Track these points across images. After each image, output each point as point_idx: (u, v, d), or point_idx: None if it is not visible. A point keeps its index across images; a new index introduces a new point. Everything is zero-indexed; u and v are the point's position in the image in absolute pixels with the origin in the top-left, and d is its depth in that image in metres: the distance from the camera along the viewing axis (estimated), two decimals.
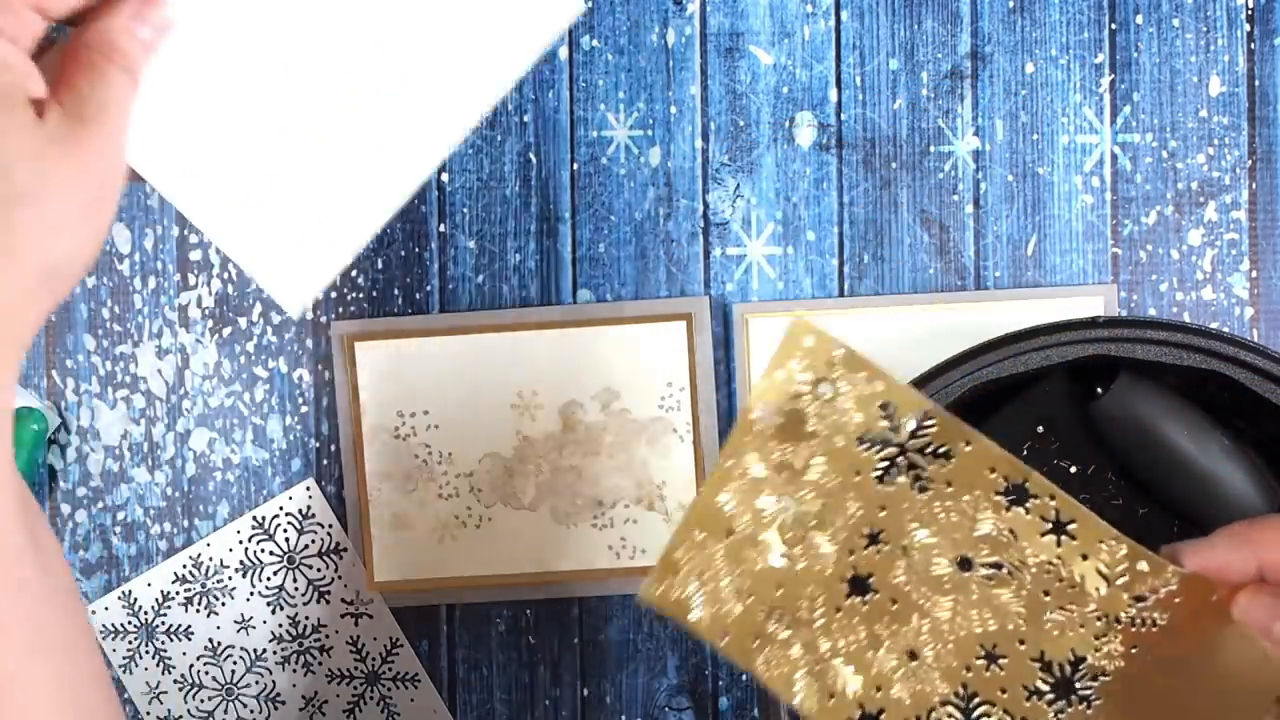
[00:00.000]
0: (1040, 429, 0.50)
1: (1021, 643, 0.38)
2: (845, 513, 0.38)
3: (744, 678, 0.60)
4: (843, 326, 0.59)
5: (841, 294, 0.60)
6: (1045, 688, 0.38)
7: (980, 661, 0.38)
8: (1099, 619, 0.37)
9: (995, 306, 0.59)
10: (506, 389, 0.60)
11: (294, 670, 0.62)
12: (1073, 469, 0.50)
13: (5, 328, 0.36)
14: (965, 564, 0.38)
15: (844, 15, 0.60)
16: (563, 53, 0.60)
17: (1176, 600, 0.37)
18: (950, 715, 0.38)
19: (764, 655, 0.39)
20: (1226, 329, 0.59)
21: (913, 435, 0.37)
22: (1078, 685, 0.38)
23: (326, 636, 0.61)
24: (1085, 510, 0.37)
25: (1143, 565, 0.36)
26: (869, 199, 0.60)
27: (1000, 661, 0.38)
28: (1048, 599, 0.37)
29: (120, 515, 0.62)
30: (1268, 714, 0.37)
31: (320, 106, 0.42)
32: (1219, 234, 0.59)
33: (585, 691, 0.61)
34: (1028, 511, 0.37)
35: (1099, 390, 0.50)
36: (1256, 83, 0.59)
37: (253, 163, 0.43)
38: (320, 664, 0.62)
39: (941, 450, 0.37)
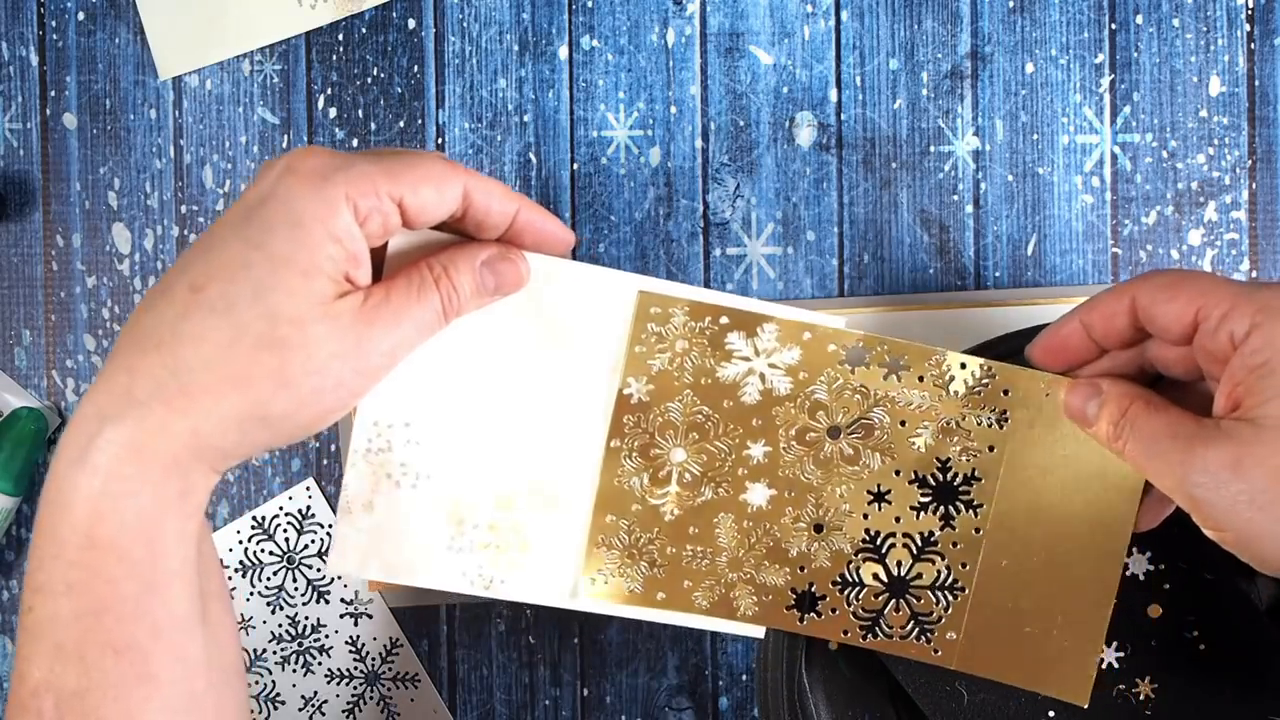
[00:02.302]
0: None
1: (898, 472, 0.44)
2: (729, 438, 0.44)
3: (744, 677, 0.61)
4: (842, 326, 0.59)
5: (841, 294, 0.60)
6: (927, 500, 0.44)
7: (872, 505, 0.44)
8: (949, 424, 0.43)
9: (995, 306, 0.59)
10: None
11: (294, 670, 0.62)
12: None
13: (217, 443, 0.36)
14: (834, 431, 0.44)
15: (844, 15, 0.60)
16: (563, 53, 0.60)
17: (1006, 395, 0.43)
18: (866, 558, 0.44)
19: (698, 594, 0.44)
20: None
21: (763, 351, 0.44)
22: (959, 490, 0.44)
23: (326, 636, 0.61)
24: (910, 343, 0.43)
25: (962, 367, 0.43)
26: (869, 199, 0.60)
27: (887, 496, 0.44)
28: (903, 427, 0.43)
29: None
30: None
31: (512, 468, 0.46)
32: (1219, 234, 0.59)
33: (585, 691, 0.61)
34: (868, 366, 0.43)
35: None
36: (1256, 83, 0.59)
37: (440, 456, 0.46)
38: (320, 664, 0.62)
39: (789, 349, 0.43)
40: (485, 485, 0.44)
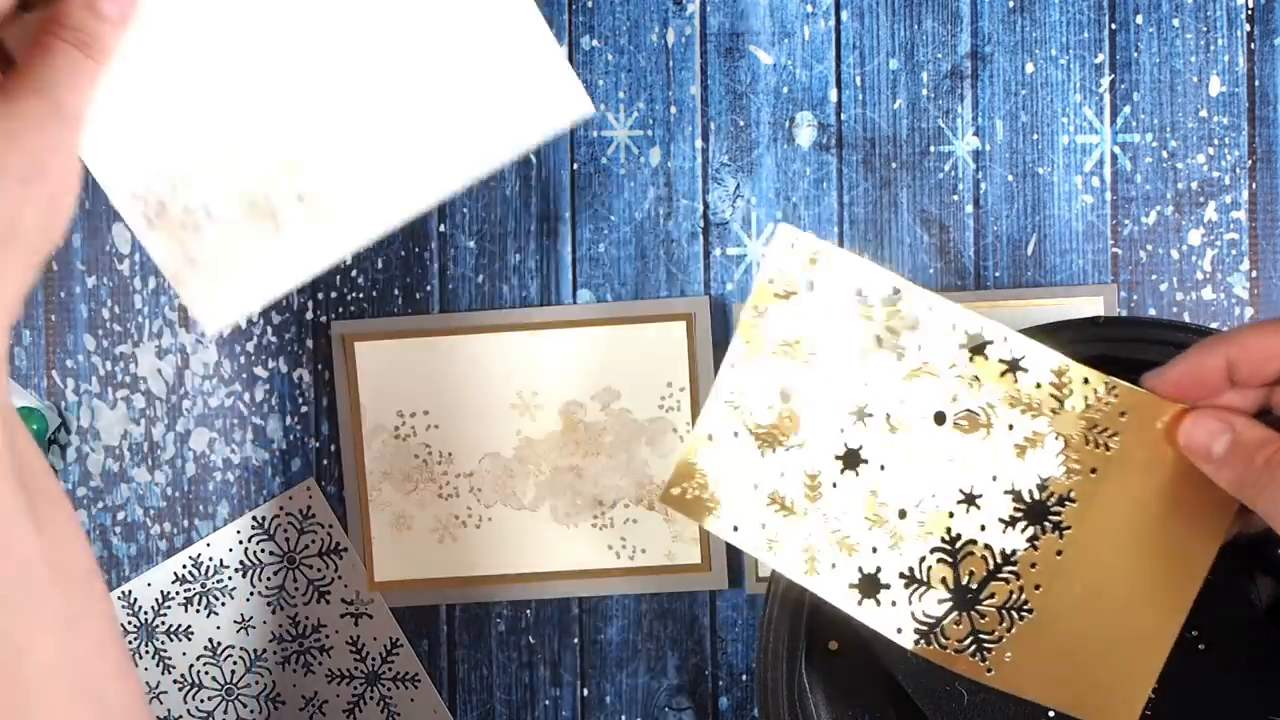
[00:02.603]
0: None
1: (995, 478, 0.42)
2: (836, 394, 0.42)
3: (743, 677, 0.60)
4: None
5: None
6: (1019, 515, 0.41)
7: (961, 505, 0.42)
8: (1057, 439, 0.41)
9: (995, 306, 0.59)
10: (506, 389, 0.60)
11: (294, 670, 0.62)
12: None
13: None
14: (940, 418, 0.42)
15: (844, 15, 0.60)
16: (563, 53, 0.60)
17: (1122, 417, 0.41)
18: (940, 559, 0.42)
19: (773, 542, 0.43)
20: (1226, 329, 0.59)
21: (888, 317, 0.41)
22: (1050, 510, 0.41)
23: (326, 636, 0.61)
24: (1035, 342, 0.41)
25: (1085, 381, 0.41)
26: (869, 199, 0.60)
27: (978, 501, 0.42)
28: (1013, 430, 0.41)
29: (120, 515, 0.62)
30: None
31: (283, 133, 0.42)
32: (1219, 234, 0.59)
33: (585, 691, 0.61)
34: (987, 358, 0.41)
35: None
36: (1256, 83, 0.59)
37: (201, 171, 0.43)
38: (320, 664, 0.62)
39: (910, 321, 0.41)
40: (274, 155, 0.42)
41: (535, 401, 0.60)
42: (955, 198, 0.60)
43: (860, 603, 0.43)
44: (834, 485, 0.42)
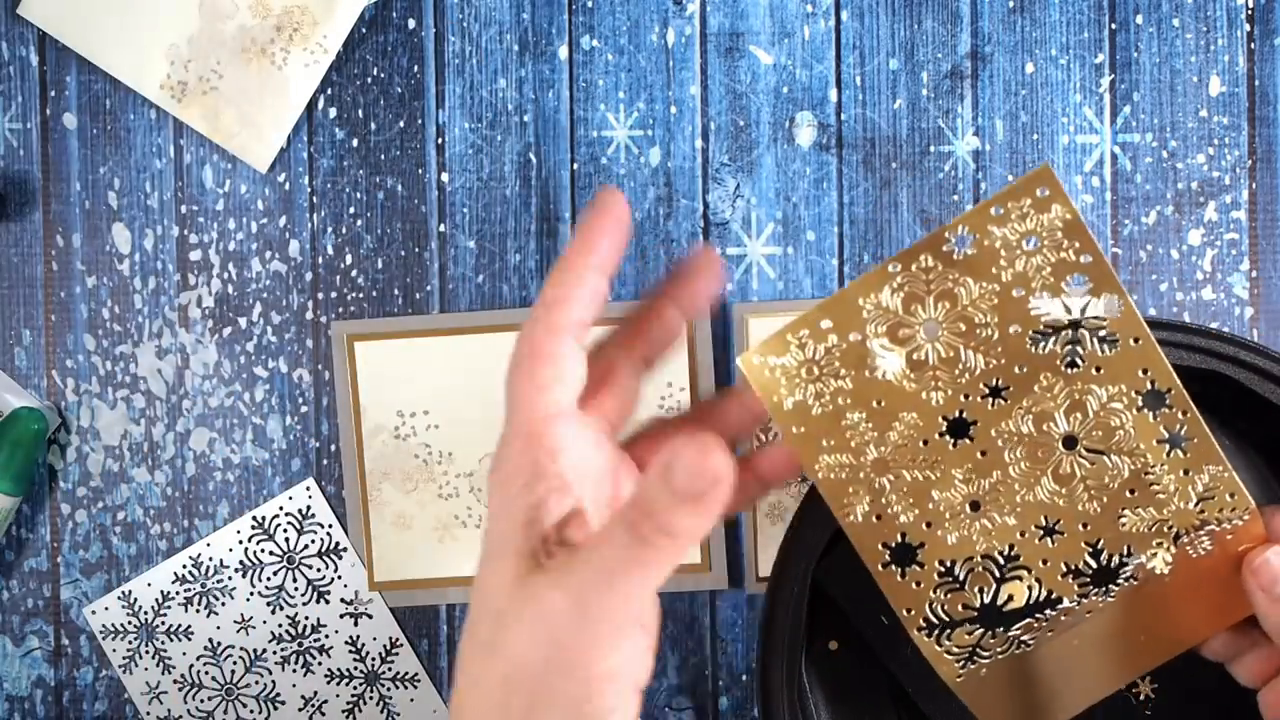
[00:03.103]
0: None
1: (1085, 525, 0.39)
2: (982, 358, 0.38)
3: (744, 677, 0.60)
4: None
5: None
6: (1087, 571, 0.39)
7: (1037, 530, 0.39)
8: (1166, 528, 0.39)
9: None
10: None
11: (294, 670, 0.62)
12: None
13: None
14: (1070, 442, 0.38)
15: (844, 15, 0.60)
16: (563, 53, 0.60)
17: (1229, 537, 0.39)
18: (984, 569, 0.39)
19: (831, 459, 0.39)
20: (1226, 329, 0.59)
21: (1089, 315, 0.37)
22: (1116, 580, 0.39)
23: (326, 636, 0.61)
24: (1207, 432, 0.38)
25: (1230, 496, 0.38)
26: (869, 199, 0.60)
27: (1056, 536, 0.39)
28: (1131, 496, 0.38)
29: (120, 515, 0.62)
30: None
31: None
32: (1219, 234, 0.59)
33: None
34: (1155, 417, 0.38)
35: None
36: (1256, 83, 0.59)
37: (197, 42, 0.56)
38: (320, 664, 0.62)
39: (1108, 337, 0.37)
40: None
41: None
42: (955, 198, 0.60)
43: (884, 565, 0.40)
44: (924, 442, 0.39)
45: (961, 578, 0.40)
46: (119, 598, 0.62)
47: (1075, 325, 0.37)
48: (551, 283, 0.37)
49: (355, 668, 0.61)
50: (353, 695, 0.62)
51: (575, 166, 0.60)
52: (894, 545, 0.39)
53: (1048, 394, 0.38)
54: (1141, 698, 0.47)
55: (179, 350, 0.62)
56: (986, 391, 0.38)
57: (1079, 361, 0.37)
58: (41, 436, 0.60)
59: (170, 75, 0.60)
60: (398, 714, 0.61)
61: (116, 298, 0.62)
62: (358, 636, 0.61)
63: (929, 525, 0.39)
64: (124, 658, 0.62)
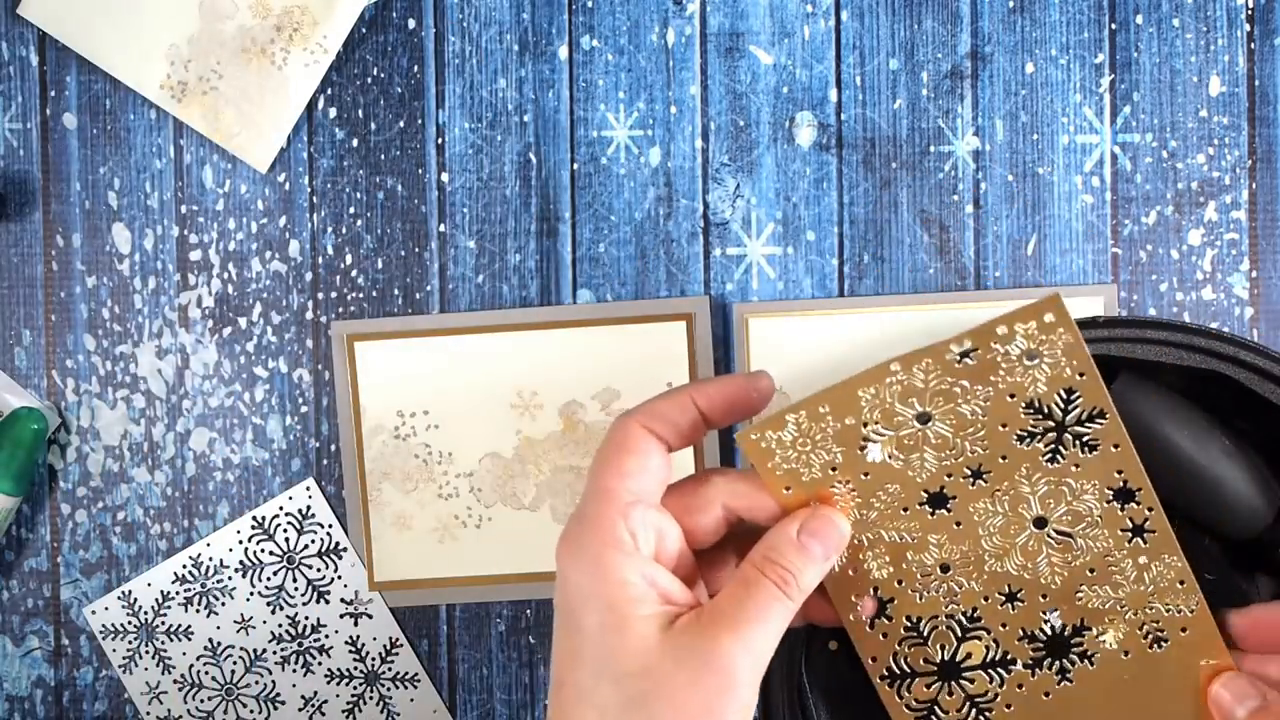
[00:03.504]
0: None
1: (1044, 596, 0.42)
2: (969, 447, 0.40)
3: None
4: (843, 326, 0.59)
5: (841, 294, 0.60)
6: (1041, 638, 0.42)
7: (999, 596, 0.42)
8: (1120, 607, 0.41)
9: (995, 306, 0.59)
10: (506, 389, 0.60)
11: (294, 670, 0.62)
12: None
13: None
14: (1041, 522, 0.41)
15: (844, 15, 0.60)
16: (563, 53, 0.60)
17: (1182, 632, 0.41)
18: (946, 627, 0.42)
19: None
20: (1226, 329, 0.59)
21: (1076, 420, 0.39)
22: (1071, 652, 0.42)
23: (326, 636, 0.61)
24: (1169, 527, 0.40)
25: (1180, 583, 0.41)
26: (869, 199, 0.60)
27: (1017, 604, 0.42)
28: (1091, 575, 0.41)
29: (120, 515, 0.62)
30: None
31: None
32: (1219, 234, 0.59)
33: None
34: (1122, 510, 0.40)
35: None
36: (1256, 83, 0.59)
37: (197, 42, 0.57)
38: (320, 664, 0.62)
39: (1090, 441, 0.40)
40: None
41: (535, 401, 0.60)
42: (955, 198, 0.60)
43: (854, 616, 0.43)
44: (904, 510, 0.41)
45: (925, 633, 0.42)
46: (119, 598, 0.62)
47: (1060, 429, 0.40)
48: (655, 396, 0.40)
49: (355, 668, 0.61)
50: (353, 695, 0.62)
51: (575, 166, 0.60)
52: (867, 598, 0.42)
53: (1025, 481, 0.40)
54: None
55: (179, 350, 0.62)
56: (969, 473, 0.41)
57: (1059, 459, 0.40)
58: (41, 436, 0.60)
59: (170, 75, 0.60)
60: (398, 714, 0.61)
61: (116, 298, 0.62)
62: (358, 636, 0.61)
63: (900, 583, 0.42)
64: (124, 658, 0.62)
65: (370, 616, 0.61)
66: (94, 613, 0.62)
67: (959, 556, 0.42)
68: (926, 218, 0.60)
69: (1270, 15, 0.59)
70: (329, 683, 0.62)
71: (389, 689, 0.61)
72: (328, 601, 0.61)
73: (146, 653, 0.62)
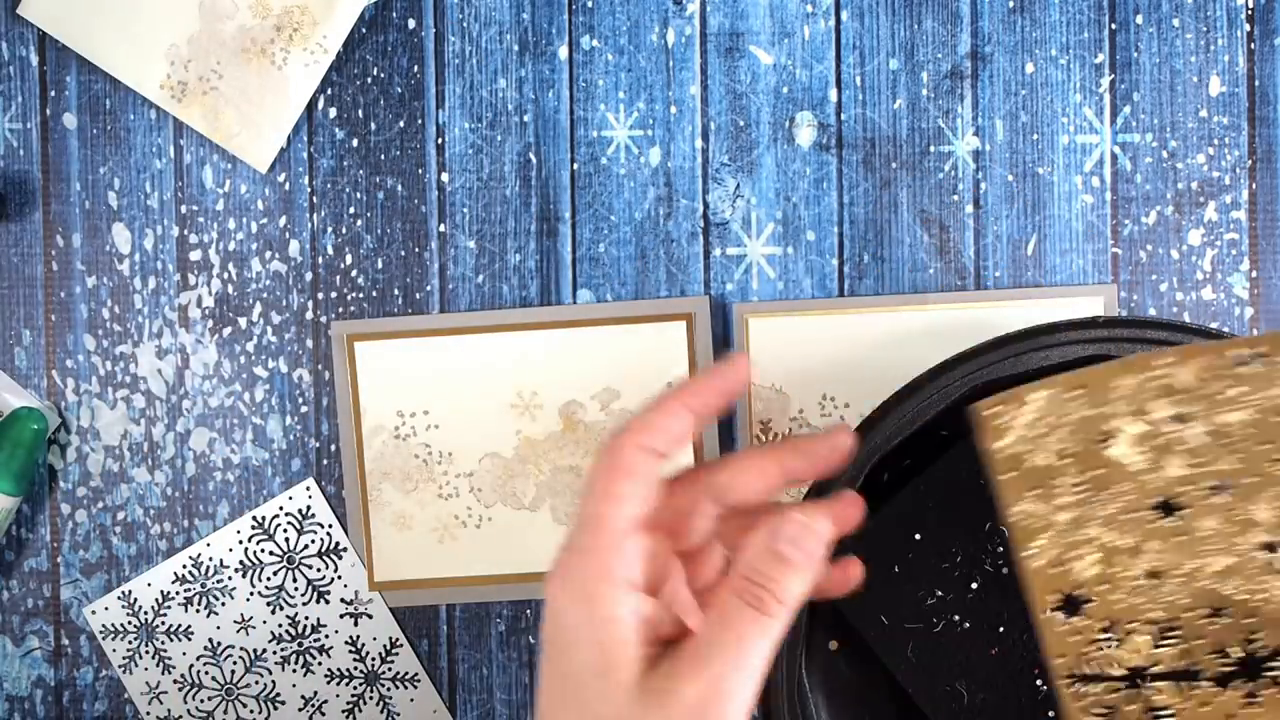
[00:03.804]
0: None
1: (1250, 617, 0.40)
2: (1220, 460, 0.38)
3: None
4: (843, 326, 0.59)
5: (841, 294, 0.60)
6: (1234, 656, 0.40)
7: (1203, 609, 0.40)
8: None
9: (995, 306, 0.59)
10: (506, 389, 0.60)
11: (293, 670, 0.62)
12: None
13: None
14: (1271, 547, 0.39)
15: (844, 15, 0.60)
16: (563, 53, 0.60)
17: None
18: (1143, 634, 0.40)
19: (1031, 506, 0.40)
20: (1227, 329, 0.59)
21: None
22: (1264, 674, 0.40)
23: (326, 636, 0.61)
24: None
25: None
26: (869, 199, 0.60)
27: (1221, 620, 0.40)
28: None
29: (120, 515, 0.62)
30: None
31: None
32: (1219, 234, 0.59)
33: None
34: None
35: None
36: (1256, 83, 0.59)
37: (195, 42, 0.59)
38: (320, 664, 0.62)
39: None
40: None
41: (535, 401, 0.60)
42: (955, 198, 0.60)
43: (1050, 610, 0.41)
44: (1130, 512, 0.40)
45: (1119, 638, 0.41)
46: (119, 598, 0.62)
47: None
48: (645, 408, 0.39)
49: (355, 668, 0.61)
50: (353, 695, 0.62)
51: (575, 166, 0.60)
52: (1065, 595, 0.41)
53: (1268, 506, 0.39)
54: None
55: (179, 350, 0.62)
56: (1211, 486, 0.39)
57: None
58: (41, 436, 0.60)
59: (170, 75, 0.60)
60: (397, 714, 0.61)
61: (116, 298, 0.62)
62: (358, 636, 0.61)
63: (1105, 585, 0.41)
64: (124, 658, 0.62)
65: (370, 616, 0.61)
66: (94, 613, 0.62)
67: (1174, 567, 0.40)
68: (926, 218, 0.60)
69: (1270, 15, 0.59)
70: (329, 683, 0.62)
71: (389, 689, 0.61)
72: (328, 601, 0.61)
73: (146, 653, 0.62)
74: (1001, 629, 0.49)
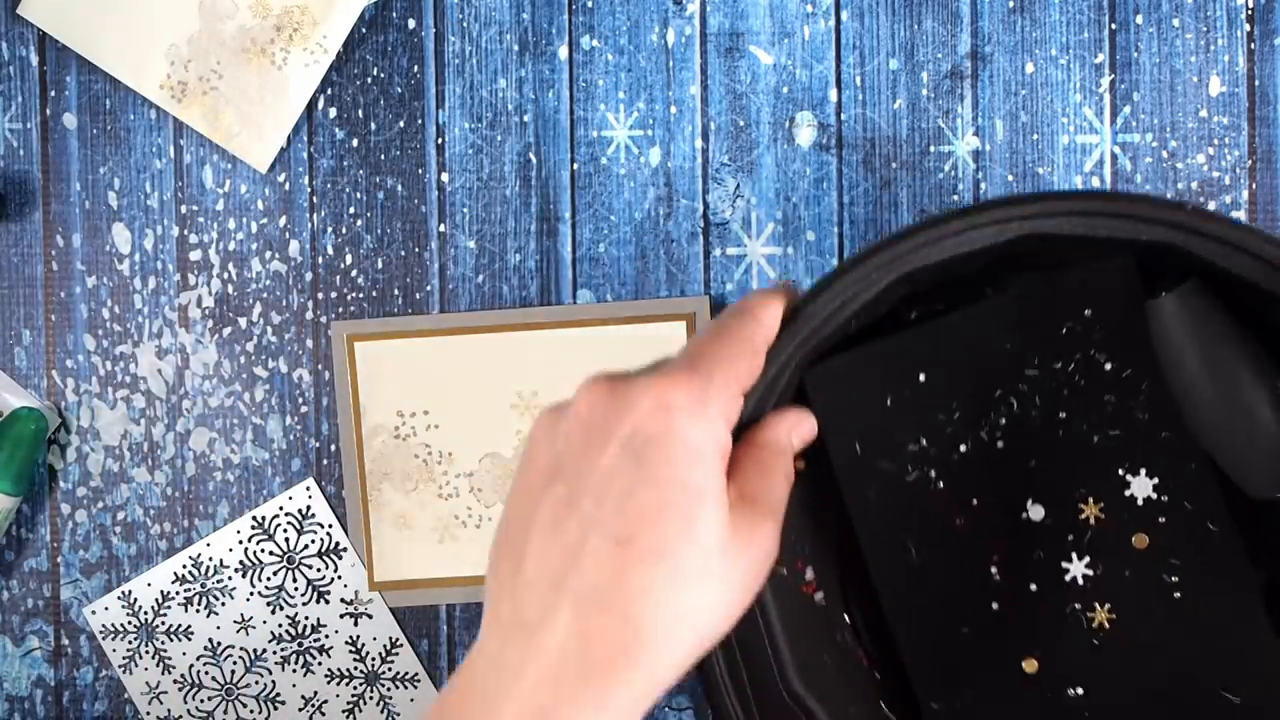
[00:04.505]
0: (1089, 312, 0.44)
1: None
2: None
3: None
4: None
5: None
6: None
7: None
8: None
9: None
10: (506, 389, 0.60)
11: (294, 670, 0.62)
12: (1108, 365, 0.45)
13: (645, 689, 0.37)
14: None
15: (844, 15, 0.60)
16: (563, 53, 0.60)
17: None
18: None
19: None
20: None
21: None
22: None
23: (326, 636, 0.61)
24: None
25: None
26: (869, 199, 0.60)
27: None
28: None
29: (120, 515, 0.62)
30: None
31: None
32: None
33: None
34: None
35: (1163, 292, 0.44)
36: (1256, 83, 0.59)
37: (195, 41, 0.60)
38: (320, 664, 0.62)
39: None
40: None
41: (535, 401, 0.60)
42: (955, 198, 0.60)
43: None
44: None
45: None
46: (119, 598, 0.62)
47: None
48: (721, 356, 0.39)
49: (355, 668, 0.62)
50: (353, 695, 0.62)
51: (575, 166, 0.60)
52: None
53: None
54: (1095, 624, 0.44)
55: (179, 350, 0.62)
56: None
57: None
58: (41, 436, 0.60)
59: (170, 75, 0.60)
60: (398, 714, 0.61)
61: (116, 298, 0.62)
62: (358, 636, 0.61)
63: None
64: (124, 658, 0.62)
65: (370, 616, 0.61)
66: (94, 613, 0.62)
67: None
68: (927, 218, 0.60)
69: (1270, 15, 0.59)
70: (329, 683, 0.62)
71: (389, 689, 0.61)
72: (328, 601, 0.61)
73: (146, 653, 0.62)
74: (975, 502, 0.45)
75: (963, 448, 0.45)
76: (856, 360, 0.43)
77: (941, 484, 0.45)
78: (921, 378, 0.45)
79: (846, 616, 0.47)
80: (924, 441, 0.45)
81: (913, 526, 0.43)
